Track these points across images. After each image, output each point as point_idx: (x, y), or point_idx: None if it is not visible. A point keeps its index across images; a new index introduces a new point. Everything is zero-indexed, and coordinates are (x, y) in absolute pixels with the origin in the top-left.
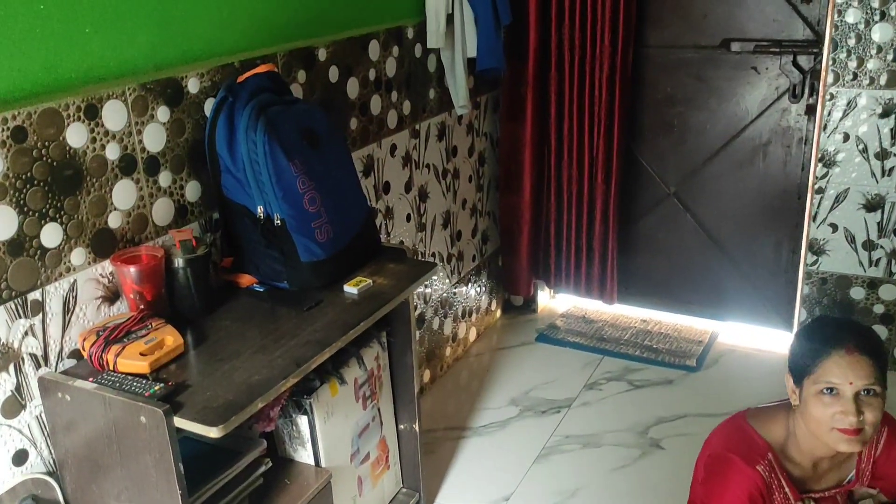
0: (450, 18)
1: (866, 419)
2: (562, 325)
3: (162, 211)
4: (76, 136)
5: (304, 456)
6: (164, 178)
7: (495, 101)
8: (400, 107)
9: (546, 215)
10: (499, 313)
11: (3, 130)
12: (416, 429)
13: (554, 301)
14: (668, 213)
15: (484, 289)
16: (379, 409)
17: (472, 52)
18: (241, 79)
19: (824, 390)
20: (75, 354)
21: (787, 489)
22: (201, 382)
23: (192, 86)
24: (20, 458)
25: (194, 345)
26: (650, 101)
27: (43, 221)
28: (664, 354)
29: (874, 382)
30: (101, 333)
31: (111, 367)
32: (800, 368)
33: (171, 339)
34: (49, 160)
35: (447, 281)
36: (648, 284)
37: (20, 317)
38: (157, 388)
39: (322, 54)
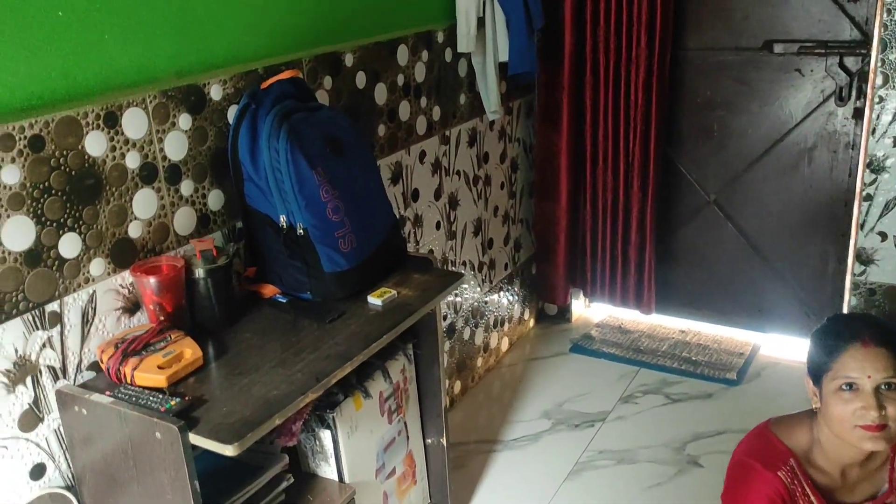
0: (481, 22)
1: (889, 414)
2: (597, 336)
3: (184, 220)
4: (95, 144)
5: (328, 471)
6: (186, 187)
7: (528, 106)
8: (429, 112)
9: (582, 223)
10: (532, 323)
11: (20, 139)
12: (444, 443)
13: (589, 310)
14: (709, 221)
15: (517, 297)
16: (405, 423)
17: (503, 57)
18: (264, 85)
19: (843, 386)
20: (95, 367)
21: (812, 497)
22: (219, 397)
23: (215, 93)
24: (38, 472)
25: (214, 357)
26: (689, 105)
27: (61, 231)
28: (703, 367)
29: (894, 375)
30: (119, 345)
31: (128, 381)
32: (817, 367)
33: (189, 351)
34: (67, 169)
35: (478, 290)
36: (687, 294)
37: (38, 328)
38: (173, 402)
39: (349, 60)
